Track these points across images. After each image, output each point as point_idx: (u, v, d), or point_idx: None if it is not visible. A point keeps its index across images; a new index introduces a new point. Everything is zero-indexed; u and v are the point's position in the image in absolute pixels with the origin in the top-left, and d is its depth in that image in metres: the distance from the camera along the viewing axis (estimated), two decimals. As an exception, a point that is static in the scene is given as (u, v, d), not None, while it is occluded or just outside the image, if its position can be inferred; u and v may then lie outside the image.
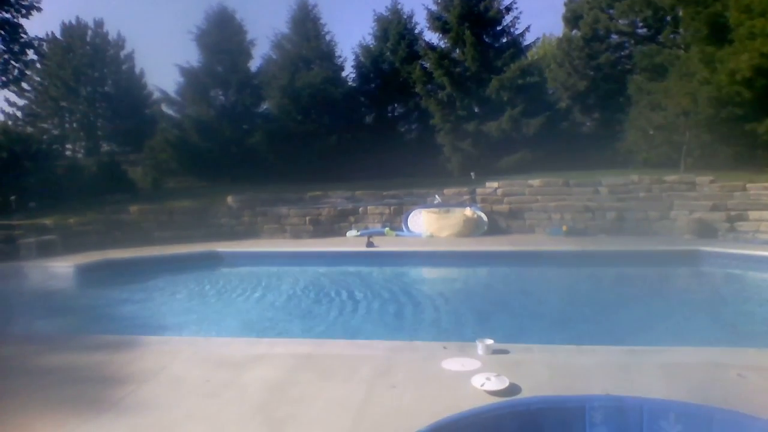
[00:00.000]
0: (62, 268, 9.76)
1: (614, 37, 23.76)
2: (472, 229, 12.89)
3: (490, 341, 4.35)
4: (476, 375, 3.73)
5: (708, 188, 12.50)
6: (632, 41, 23.56)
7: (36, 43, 19.06)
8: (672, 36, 21.12)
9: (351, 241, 12.51)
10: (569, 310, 7.52)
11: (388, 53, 24.42)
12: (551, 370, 3.99)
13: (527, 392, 3.56)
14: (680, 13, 19.34)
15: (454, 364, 4.08)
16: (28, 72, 22.16)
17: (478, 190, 13.89)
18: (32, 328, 6.79)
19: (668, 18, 21.59)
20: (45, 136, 27.42)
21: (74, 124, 30.32)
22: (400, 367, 4.14)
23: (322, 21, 24.84)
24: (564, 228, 12.51)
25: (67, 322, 7.44)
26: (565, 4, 25.09)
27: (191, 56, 24.84)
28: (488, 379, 3.61)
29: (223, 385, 3.90)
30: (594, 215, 12.88)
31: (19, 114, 29.57)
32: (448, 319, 7.30)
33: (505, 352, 4.36)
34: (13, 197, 12.30)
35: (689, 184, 12.81)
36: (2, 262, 10.31)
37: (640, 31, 23.29)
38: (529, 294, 8.85)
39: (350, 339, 6.04)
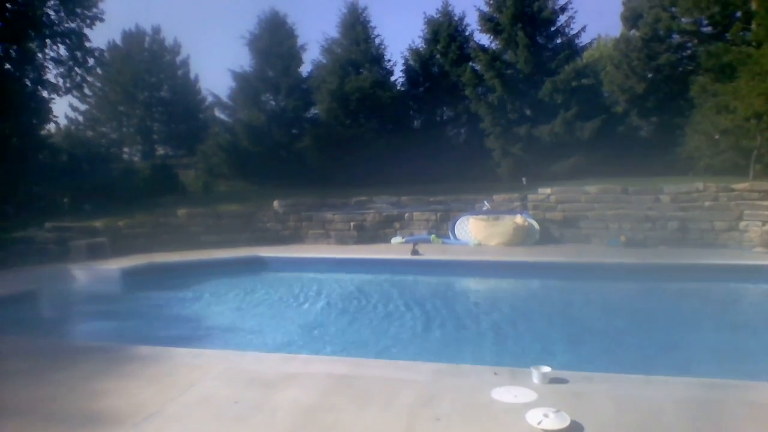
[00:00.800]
0: (108, 270, 9.83)
1: (675, 37, 22.54)
2: (522, 237, 12.32)
3: (546, 369, 3.90)
4: (532, 410, 3.30)
5: (784, 197, 11.51)
6: (695, 40, 22.28)
7: (97, 52, 19.75)
8: (742, 33, 19.81)
9: (396, 248, 12.17)
10: (629, 331, 6.93)
11: (438, 56, 23.97)
12: (617, 405, 3.51)
13: (590, 433, 3.12)
14: (753, 7, 18.13)
15: (506, 394, 3.66)
16: (89, 78, 22.98)
17: (530, 197, 13.29)
18: (69, 334, 6.76)
19: (738, 14, 20.32)
20: (104, 140, 28.44)
21: (131, 129, 31.24)
22: (445, 395, 3.75)
23: (372, 24, 24.65)
24: (622, 238, 11.78)
25: (105, 327, 7.41)
26: (624, 3, 24.01)
27: (244, 61, 25.09)
28: (546, 416, 3.18)
29: (252, 408, 3.62)
30: (654, 225, 12.08)
31: (80, 119, 30.75)
32: (497, 337, 6.84)
33: (563, 381, 3.90)
34: (66, 199, 12.59)
35: (762, 193, 11.80)
36: (52, 263, 10.50)
37: (704, 29, 22.02)
38: (584, 311, 8.26)
39: (390, 355, 5.70)
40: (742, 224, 11.52)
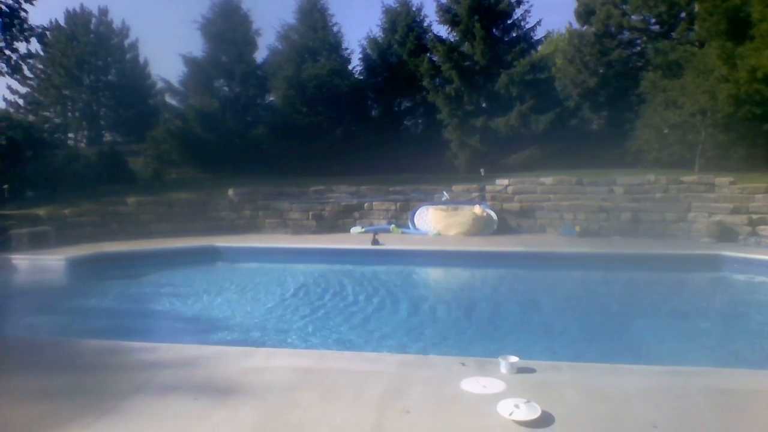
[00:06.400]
0: (52, 261, 9.32)
1: (626, 34, 23.18)
2: (481, 227, 12.42)
3: (514, 358, 3.88)
4: (502, 400, 3.26)
5: (728, 190, 11.99)
6: (644, 38, 23.00)
7: (39, 30, 18.52)
8: (686, 32, 20.55)
9: (355, 238, 12.05)
10: (585, 319, 7.06)
11: (396, 46, 23.88)
12: (585, 395, 3.52)
13: (561, 422, 3.11)
14: (696, 9, 18.81)
15: (475, 384, 3.62)
16: (30, 60, 21.56)
17: (488, 188, 13.41)
18: (7, 328, 6.35)
19: (683, 14, 21.06)
20: (47, 125, 27.01)
21: (77, 113, 29.86)
22: (413, 386, 3.67)
23: (330, 12, 24.37)
24: (577, 228, 12.04)
25: (48, 322, 7.00)
26: (578, -1, 24.53)
27: (196, 46, 24.39)
28: (517, 406, 3.15)
29: (212, 406, 3.44)
30: (608, 216, 12.41)
31: (21, 102, 29.15)
32: (459, 325, 6.85)
33: (530, 370, 3.89)
34: (5, 186, 11.86)
35: (708, 185, 12.31)
36: (-10, 253, 9.87)
37: (653, 27, 22.73)
38: (542, 299, 8.38)
39: (353, 347, 5.60)
40: (690, 215, 11.96)
